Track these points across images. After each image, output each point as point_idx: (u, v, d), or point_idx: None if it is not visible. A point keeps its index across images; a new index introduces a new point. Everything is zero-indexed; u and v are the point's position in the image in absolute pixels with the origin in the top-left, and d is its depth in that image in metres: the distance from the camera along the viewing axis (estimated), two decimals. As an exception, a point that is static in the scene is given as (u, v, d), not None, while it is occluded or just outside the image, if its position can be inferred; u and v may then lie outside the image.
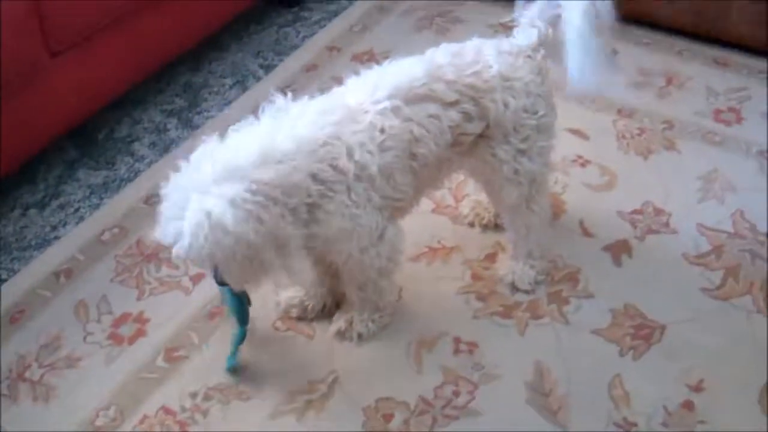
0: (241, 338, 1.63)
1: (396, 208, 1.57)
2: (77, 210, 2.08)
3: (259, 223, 1.32)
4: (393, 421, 1.56)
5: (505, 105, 1.54)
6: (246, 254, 1.33)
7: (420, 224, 1.86)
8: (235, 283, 1.46)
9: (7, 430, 1.59)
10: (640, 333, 1.68)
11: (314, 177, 1.40)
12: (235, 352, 1.63)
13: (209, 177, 1.32)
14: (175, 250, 1.34)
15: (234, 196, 1.30)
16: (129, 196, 2.08)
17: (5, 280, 1.91)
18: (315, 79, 2.42)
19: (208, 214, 1.29)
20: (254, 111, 1.46)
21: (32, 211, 2.09)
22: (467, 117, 1.54)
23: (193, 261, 1.41)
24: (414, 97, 1.49)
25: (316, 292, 1.74)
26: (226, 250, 1.32)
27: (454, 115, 1.52)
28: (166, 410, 1.60)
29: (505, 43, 1.60)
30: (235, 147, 1.38)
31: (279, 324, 1.74)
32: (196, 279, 1.83)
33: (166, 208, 1.36)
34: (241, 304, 1.60)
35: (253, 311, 1.64)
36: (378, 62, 1.62)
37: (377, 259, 1.55)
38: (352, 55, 2.52)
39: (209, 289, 1.78)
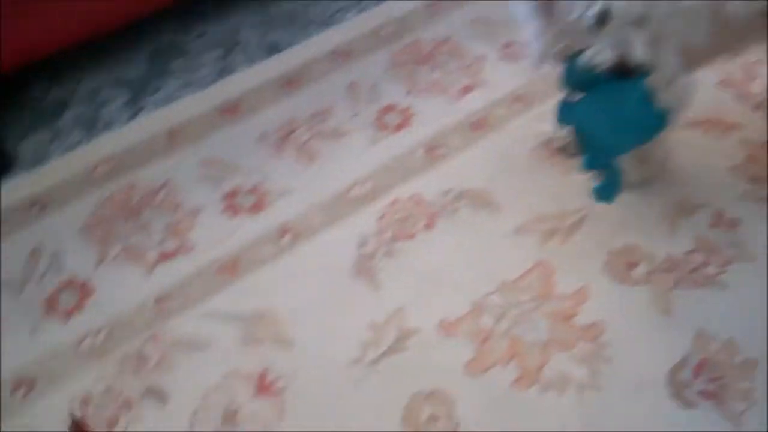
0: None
1: (689, 59, 1.47)
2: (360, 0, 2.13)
3: None
4: (635, 270, 1.53)
5: None
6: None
7: (702, 94, 1.74)
8: (647, 55, 1.34)
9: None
10: None
11: None
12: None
13: None
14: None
15: None
16: (412, -1, 2.10)
17: (283, 50, 2.01)
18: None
19: None
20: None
21: (318, -8, 2.16)
22: None
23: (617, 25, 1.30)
24: None
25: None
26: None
27: None
28: (418, 199, 1.66)
29: None
30: None
31: (539, 151, 1.72)
32: (465, 90, 1.85)
33: None
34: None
35: (510, 137, 1.62)
36: None
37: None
38: None
39: (476, 101, 1.80)
